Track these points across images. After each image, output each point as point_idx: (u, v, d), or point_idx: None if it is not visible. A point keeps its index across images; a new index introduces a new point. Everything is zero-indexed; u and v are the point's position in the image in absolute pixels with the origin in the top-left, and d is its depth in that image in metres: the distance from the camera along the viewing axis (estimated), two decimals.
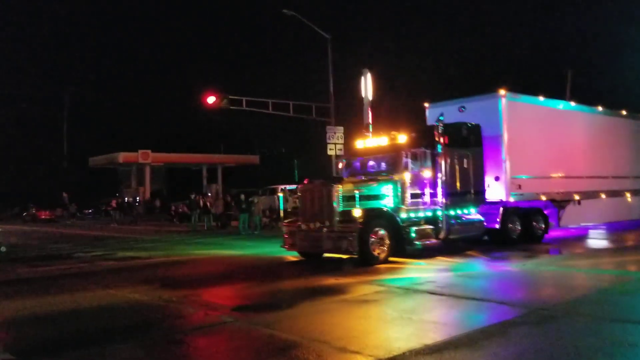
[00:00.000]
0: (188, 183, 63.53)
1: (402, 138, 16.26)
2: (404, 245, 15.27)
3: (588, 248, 17.76)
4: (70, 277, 14.59)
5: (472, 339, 7.21)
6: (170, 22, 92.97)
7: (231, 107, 32.21)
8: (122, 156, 61.53)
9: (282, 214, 16.95)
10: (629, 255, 15.82)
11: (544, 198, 18.76)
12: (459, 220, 16.72)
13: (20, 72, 77.53)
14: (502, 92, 17.57)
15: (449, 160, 16.34)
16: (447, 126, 16.38)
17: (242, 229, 27.78)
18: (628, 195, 22.20)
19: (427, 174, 15.97)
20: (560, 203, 19.62)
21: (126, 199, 62.07)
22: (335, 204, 14.68)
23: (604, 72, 45.56)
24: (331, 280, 12.39)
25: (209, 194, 47.22)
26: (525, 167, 18.16)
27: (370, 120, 24.85)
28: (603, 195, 21.00)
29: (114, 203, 57.65)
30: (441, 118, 15.91)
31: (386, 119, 28.27)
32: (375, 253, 14.51)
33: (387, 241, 14.76)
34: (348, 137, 26.49)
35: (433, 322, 8.37)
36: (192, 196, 35.54)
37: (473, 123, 17.40)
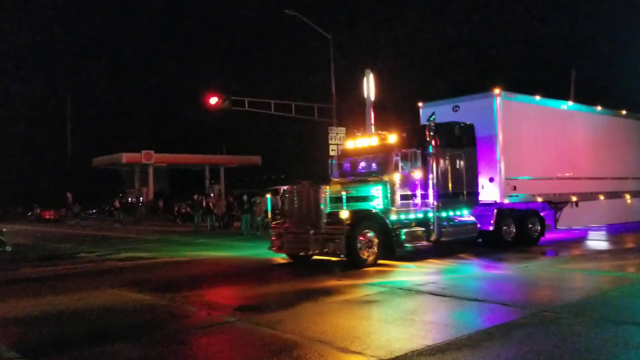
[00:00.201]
0: (190, 184, 63.36)
1: (393, 138, 15.75)
2: (393, 248, 14.75)
3: (585, 250, 17.17)
4: (74, 276, 14.52)
5: (474, 340, 7.15)
6: (174, 24, 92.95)
7: (233, 108, 32.24)
8: (125, 157, 61.25)
9: (269, 215, 16.27)
10: (628, 257, 15.32)
11: (540, 199, 18.20)
12: (451, 222, 16.19)
13: (25, 73, 77.53)
14: (496, 91, 17.03)
15: (440, 161, 15.82)
16: (439, 126, 15.86)
17: (244, 230, 27.42)
18: (628, 196, 21.59)
19: (418, 174, 15.44)
20: (557, 205, 19.05)
21: (129, 199, 61.91)
22: (322, 206, 14.16)
23: (609, 72, 44.89)
24: (327, 282, 11.92)
25: (212, 195, 46.94)
26: (521, 168, 17.61)
27: (372, 121, 24.39)
28: (602, 197, 20.41)
29: (117, 203, 57.52)
30: (431, 118, 15.39)
31: (389, 119, 27.86)
32: (364, 256, 14.01)
33: (376, 243, 14.26)
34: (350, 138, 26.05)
35: (435, 323, 8.26)
36: (195, 197, 35.51)
37: (466, 123, 16.86)
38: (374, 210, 14.69)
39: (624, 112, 22.19)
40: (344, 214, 13.82)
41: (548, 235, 18.82)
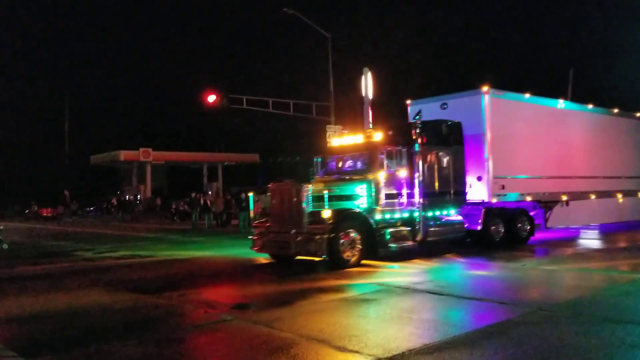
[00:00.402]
0: (188, 181, 62.91)
1: (378, 136, 15.37)
2: (377, 248, 14.36)
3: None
4: (72, 274, 14.30)
5: (471, 339, 7.12)
6: (172, 21, 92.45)
7: (231, 106, 32.15)
8: (123, 154, 60.82)
9: (251, 214, 15.87)
10: (619, 256, 15.09)
11: (529, 199, 17.79)
12: (437, 222, 15.80)
13: (22, 71, 77.12)
14: (484, 88, 16.62)
15: (427, 159, 15.44)
16: (425, 124, 15.47)
17: (242, 228, 27.10)
18: (619, 196, 21.16)
19: (403, 173, 15.06)
20: (547, 204, 18.65)
21: (127, 197, 61.48)
22: (304, 205, 13.76)
23: (607, 71, 44.40)
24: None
25: (210, 193, 46.64)
26: (510, 166, 17.19)
27: (370, 119, 24.01)
28: (593, 196, 19.99)
29: (115, 201, 57.18)
30: (417, 118, 15.01)
31: (387, 117, 27.49)
32: (346, 256, 13.62)
33: (359, 244, 13.87)
34: None
35: (432, 322, 8.22)
36: (193, 194, 35.34)
37: (453, 120, 16.46)
38: (357, 210, 14.30)
39: (616, 110, 21.77)
40: (326, 213, 13.43)
41: (538, 235, 18.43)
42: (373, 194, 14.57)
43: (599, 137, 20.68)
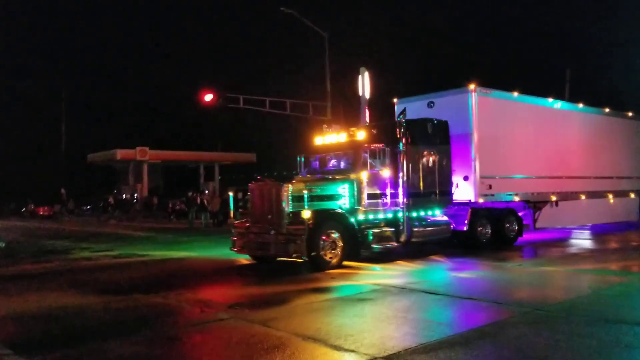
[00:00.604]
0: (185, 180, 62.46)
1: (361, 134, 14.93)
2: (359, 249, 13.94)
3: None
4: (67, 273, 14.20)
5: (467, 339, 7.07)
6: (168, 20, 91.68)
7: (228, 105, 31.87)
8: (119, 153, 60.11)
9: (232, 214, 15.44)
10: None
11: (517, 199, 17.36)
12: (423, 223, 15.39)
13: (19, 69, 76.44)
14: (471, 86, 16.21)
15: (412, 159, 15.00)
16: (410, 122, 15.05)
17: None
18: (610, 196, 20.71)
19: (387, 173, 14.64)
20: (536, 204, 18.22)
21: (124, 195, 61.06)
22: (284, 204, 13.34)
23: (604, 71, 43.87)
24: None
25: (206, 192, 46.21)
26: (497, 166, 16.77)
27: (367, 119, 23.61)
28: (583, 197, 19.55)
29: (111, 200, 56.73)
30: (400, 117, 14.59)
31: (383, 116, 27.15)
32: (327, 257, 13.19)
33: (341, 245, 13.43)
34: None
35: (428, 321, 8.19)
36: (189, 194, 35.05)
37: (439, 119, 16.01)
38: (338, 210, 13.87)
39: (607, 110, 21.31)
40: (306, 213, 13.00)
41: (526, 236, 18.04)
42: (355, 194, 14.15)
43: (590, 136, 20.25)
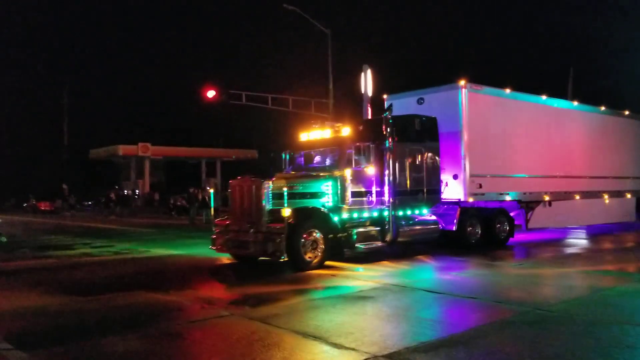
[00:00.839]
0: (187, 176, 62.08)
1: (346, 131, 14.37)
2: (341, 249, 13.41)
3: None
4: (68, 268, 14.02)
5: (468, 337, 7.00)
6: (171, 16, 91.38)
7: (231, 102, 31.68)
8: (121, 149, 59.98)
9: (212, 212, 14.91)
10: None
11: (508, 198, 16.77)
12: (410, 222, 14.85)
13: (21, 64, 76.26)
14: (462, 82, 15.61)
15: (398, 156, 14.45)
16: (397, 119, 14.51)
17: None
18: (606, 196, 20.08)
19: (372, 170, 14.07)
20: (528, 204, 17.62)
21: (125, 191, 60.73)
22: (264, 202, 12.80)
23: (608, 71, 43.13)
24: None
25: (208, 188, 45.82)
26: (488, 164, 16.18)
27: (369, 116, 23.09)
28: (577, 197, 18.92)
29: (113, 195, 56.37)
30: (385, 114, 14.04)
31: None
32: (307, 257, 12.66)
33: (322, 244, 12.89)
34: None
35: (429, 320, 8.08)
36: (191, 190, 34.87)
37: (428, 116, 15.45)
38: (321, 208, 13.33)
39: (603, 108, 20.64)
40: (286, 211, 12.47)
41: (518, 236, 17.46)
42: (339, 191, 13.59)
43: (586, 135, 19.63)
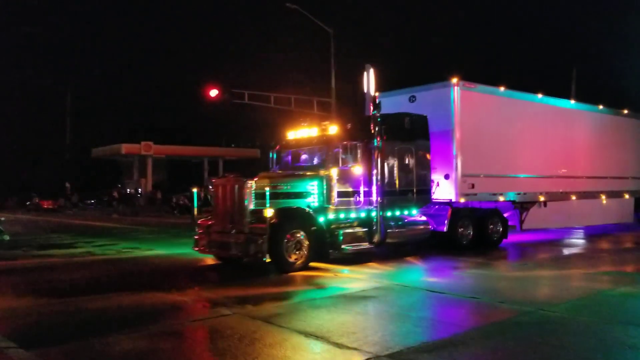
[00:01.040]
0: (189, 175, 61.70)
1: (333, 129, 13.91)
2: (326, 250, 12.95)
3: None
4: (71, 267, 13.82)
5: (470, 338, 6.95)
6: (173, 15, 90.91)
7: (233, 101, 31.60)
8: (124, 147, 59.57)
9: (195, 212, 14.48)
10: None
11: (502, 199, 16.27)
12: (399, 223, 14.37)
13: (24, 63, 76.06)
14: (454, 80, 15.14)
15: (387, 155, 13.99)
16: (386, 117, 14.04)
17: None
18: (603, 197, 19.53)
19: (360, 169, 13.60)
20: (522, 205, 17.12)
21: (128, 190, 60.50)
22: (246, 202, 12.36)
23: (611, 70, 42.43)
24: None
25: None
26: (481, 164, 15.69)
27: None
28: (574, 197, 18.39)
29: (115, 194, 56.13)
30: (374, 112, 13.58)
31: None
32: (291, 259, 12.21)
33: (307, 245, 12.44)
34: None
35: (432, 320, 8.17)
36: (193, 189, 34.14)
37: (418, 114, 14.97)
38: (304, 208, 12.87)
39: (601, 107, 20.08)
40: (268, 212, 12.01)
41: (512, 237, 16.97)
42: (325, 191, 13.12)
43: (583, 134, 19.11)
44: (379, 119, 13.61)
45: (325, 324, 7.65)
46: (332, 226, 13.09)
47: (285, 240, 12.12)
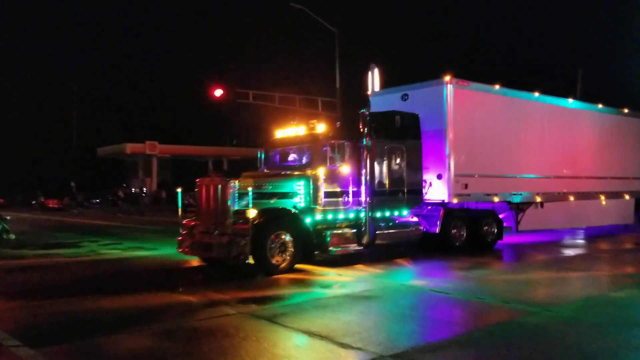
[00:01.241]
0: (194, 175, 61.34)
1: (321, 127, 13.44)
2: (312, 252, 12.51)
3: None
4: (76, 266, 13.73)
5: (475, 338, 6.91)
6: (179, 15, 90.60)
7: (238, 100, 31.60)
8: (129, 147, 59.40)
9: (180, 212, 14.06)
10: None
11: (496, 199, 15.76)
12: (389, 224, 13.92)
13: (30, 62, 75.98)
14: (447, 78, 14.64)
15: (377, 154, 13.56)
16: (375, 115, 13.61)
17: None
18: (602, 198, 18.96)
19: (348, 169, 13.15)
20: (518, 205, 16.58)
21: (133, 189, 60.31)
22: (229, 202, 11.93)
23: (618, 71, 41.66)
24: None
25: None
26: (474, 164, 15.18)
27: None
28: (572, 198, 17.83)
29: (120, 193, 55.87)
30: (362, 110, 13.14)
31: None
32: (275, 261, 11.77)
33: (292, 247, 12.00)
34: None
35: (436, 320, 8.12)
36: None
37: (409, 112, 14.50)
38: (290, 209, 12.43)
39: (600, 106, 19.50)
40: (251, 212, 11.59)
41: (507, 239, 16.43)
42: (311, 191, 12.69)
43: (582, 134, 18.54)
44: (368, 118, 13.16)
45: (330, 323, 7.59)
46: (319, 227, 12.66)
47: (269, 242, 11.70)
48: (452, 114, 14.61)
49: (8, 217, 20.72)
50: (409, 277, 11.86)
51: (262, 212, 11.77)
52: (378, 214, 13.55)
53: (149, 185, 60.91)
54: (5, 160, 61.60)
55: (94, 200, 60.71)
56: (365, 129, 13.11)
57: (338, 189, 13.07)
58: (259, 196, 12.18)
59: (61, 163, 64.47)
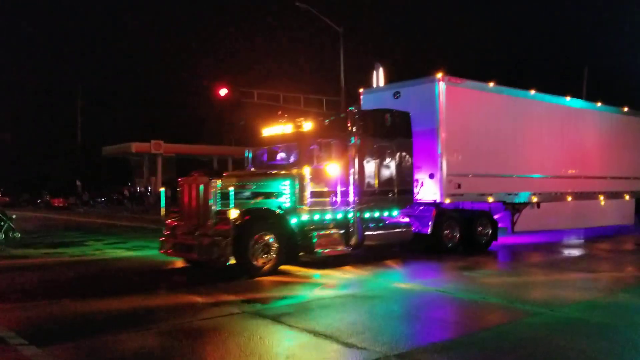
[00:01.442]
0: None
1: (308, 126, 12.98)
2: (297, 253, 12.05)
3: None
4: (81, 264, 13.66)
5: (480, 339, 6.84)
6: (182, 14, 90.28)
7: (242, 100, 31.68)
8: (134, 146, 59.11)
9: (162, 212, 13.62)
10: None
11: (491, 200, 15.23)
12: (379, 224, 13.45)
13: (35, 62, 76.00)
14: (439, 75, 14.13)
15: (366, 153, 13.07)
16: (364, 113, 13.17)
17: None
18: (601, 198, 18.38)
19: (336, 168, 12.66)
20: (514, 206, 16.05)
21: (138, 188, 60.16)
22: (211, 202, 11.49)
23: (623, 70, 40.92)
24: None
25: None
26: (468, 163, 14.66)
27: None
28: (569, 198, 17.28)
29: (126, 192, 55.75)
30: (351, 108, 12.68)
31: None
32: (258, 263, 11.31)
33: (276, 248, 11.55)
34: None
35: (441, 320, 8.02)
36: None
37: (400, 110, 14.00)
38: (274, 209, 11.98)
39: (599, 104, 18.90)
40: (233, 213, 11.14)
41: (502, 240, 15.92)
42: (297, 191, 12.23)
43: (580, 132, 17.95)
44: (356, 116, 12.69)
45: (335, 323, 7.53)
46: (306, 228, 12.20)
47: (252, 243, 11.25)
48: (445, 112, 14.11)
49: (14, 216, 20.46)
50: (404, 278, 11.39)
51: (244, 213, 11.33)
52: (367, 215, 13.08)
53: (154, 184, 60.63)
54: (11, 159, 61.59)
55: (100, 199, 60.64)
56: (354, 127, 12.65)
57: (325, 189, 12.61)
58: (244, 196, 11.76)
59: (67, 162, 64.39)
